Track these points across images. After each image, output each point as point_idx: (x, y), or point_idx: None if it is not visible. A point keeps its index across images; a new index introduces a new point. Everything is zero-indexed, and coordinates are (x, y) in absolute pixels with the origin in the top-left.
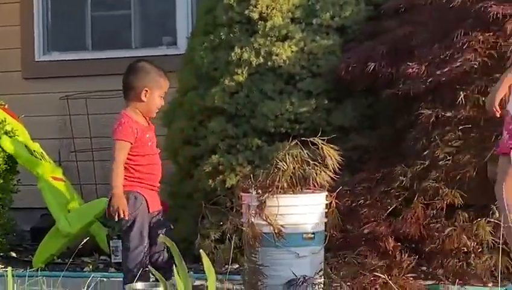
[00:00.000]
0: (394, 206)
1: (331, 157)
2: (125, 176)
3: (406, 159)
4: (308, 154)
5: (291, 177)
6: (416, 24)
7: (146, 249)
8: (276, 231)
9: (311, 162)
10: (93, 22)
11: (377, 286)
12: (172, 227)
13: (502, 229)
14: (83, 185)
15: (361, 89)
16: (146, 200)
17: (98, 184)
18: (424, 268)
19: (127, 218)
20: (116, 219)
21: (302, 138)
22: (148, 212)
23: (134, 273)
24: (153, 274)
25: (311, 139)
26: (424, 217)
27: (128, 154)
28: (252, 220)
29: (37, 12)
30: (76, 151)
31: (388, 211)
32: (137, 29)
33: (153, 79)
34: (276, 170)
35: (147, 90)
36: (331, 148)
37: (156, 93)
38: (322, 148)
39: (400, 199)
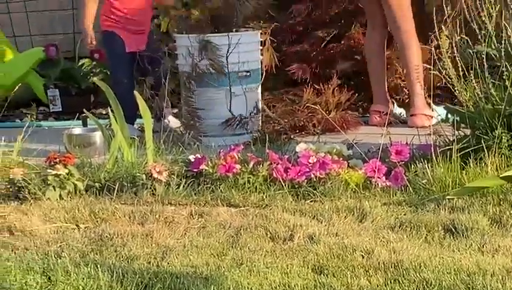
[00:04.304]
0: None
1: None
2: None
3: None
4: None
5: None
6: None
7: None
8: (214, 70)
9: None
10: None
11: (315, 121)
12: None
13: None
14: (17, 38)
15: None
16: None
17: (32, 35)
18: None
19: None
20: None
21: None
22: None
23: None
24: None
25: None
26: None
27: None
28: (195, 61)
29: None
30: (7, 2)
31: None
32: None
33: None
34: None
35: None
36: None
37: None
38: None
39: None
